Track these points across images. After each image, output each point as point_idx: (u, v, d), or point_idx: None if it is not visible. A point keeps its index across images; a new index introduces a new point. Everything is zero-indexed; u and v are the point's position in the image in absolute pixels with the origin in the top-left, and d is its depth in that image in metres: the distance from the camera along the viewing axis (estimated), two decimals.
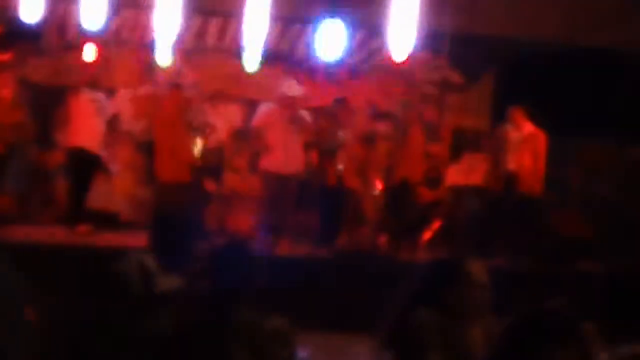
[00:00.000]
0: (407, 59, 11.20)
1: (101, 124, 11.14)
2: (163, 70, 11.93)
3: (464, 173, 12.17)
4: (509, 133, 11.13)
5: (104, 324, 3.64)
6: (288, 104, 11.11)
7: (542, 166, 11.12)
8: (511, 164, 11.15)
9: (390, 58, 11.37)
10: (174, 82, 11.33)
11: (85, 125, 10.94)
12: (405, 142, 11.42)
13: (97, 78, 11.33)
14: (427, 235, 11.92)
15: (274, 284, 3.73)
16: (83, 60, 11.38)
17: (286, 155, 11.02)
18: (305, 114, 11.35)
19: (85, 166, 11.02)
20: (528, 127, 11.17)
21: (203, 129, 11.35)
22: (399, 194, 11.32)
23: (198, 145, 11.09)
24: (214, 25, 13.13)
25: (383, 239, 11.45)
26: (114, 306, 3.69)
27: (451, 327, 3.83)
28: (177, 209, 9.95)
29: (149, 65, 12.25)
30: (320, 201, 11.57)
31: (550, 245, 11.12)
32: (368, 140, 11.55)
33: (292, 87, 11.29)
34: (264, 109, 11.45)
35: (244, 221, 11.76)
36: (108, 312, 3.68)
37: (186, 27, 12.93)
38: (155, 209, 10.59)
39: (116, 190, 12.13)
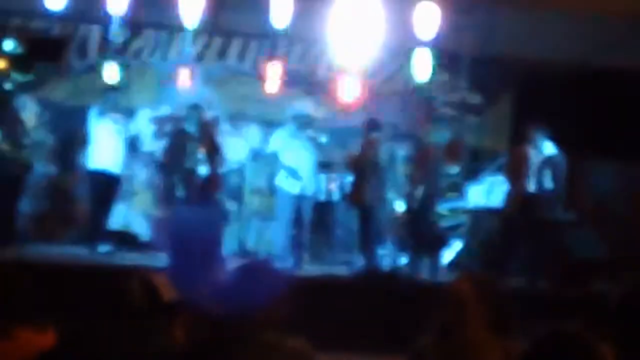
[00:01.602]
0: (427, 81, 11.23)
1: (121, 145, 11.20)
2: (183, 90, 11.96)
3: (483, 195, 12.15)
4: (527, 154, 11.09)
5: (115, 341, 3.66)
6: (303, 123, 11.13)
7: (560, 187, 11.08)
8: (530, 186, 11.10)
9: (410, 79, 11.40)
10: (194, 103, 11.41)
11: (106, 146, 11.00)
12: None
13: (117, 99, 11.36)
14: (447, 256, 11.90)
15: (293, 304, 3.74)
16: (103, 81, 11.41)
17: (301, 175, 11.04)
18: (321, 134, 11.34)
19: (105, 187, 11.08)
20: (547, 148, 11.13)
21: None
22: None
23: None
24: (234, 46, 13.22)
25: (403, 260, 11.42)
26: (123, 324, 3.71)
27: (464, 350, 3.81)
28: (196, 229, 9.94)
29: (169, 86, 12.29)
30: (338, 221, 11.56)
31: (567, 266, 11.08)
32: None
33: (307, 107, 11.30)
34: (279, 129, 11.48)
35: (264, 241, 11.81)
36: (117, 330, 3.70)
37: (207, 48, 13.04)
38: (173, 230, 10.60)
39: (136, 211, 12.18)
